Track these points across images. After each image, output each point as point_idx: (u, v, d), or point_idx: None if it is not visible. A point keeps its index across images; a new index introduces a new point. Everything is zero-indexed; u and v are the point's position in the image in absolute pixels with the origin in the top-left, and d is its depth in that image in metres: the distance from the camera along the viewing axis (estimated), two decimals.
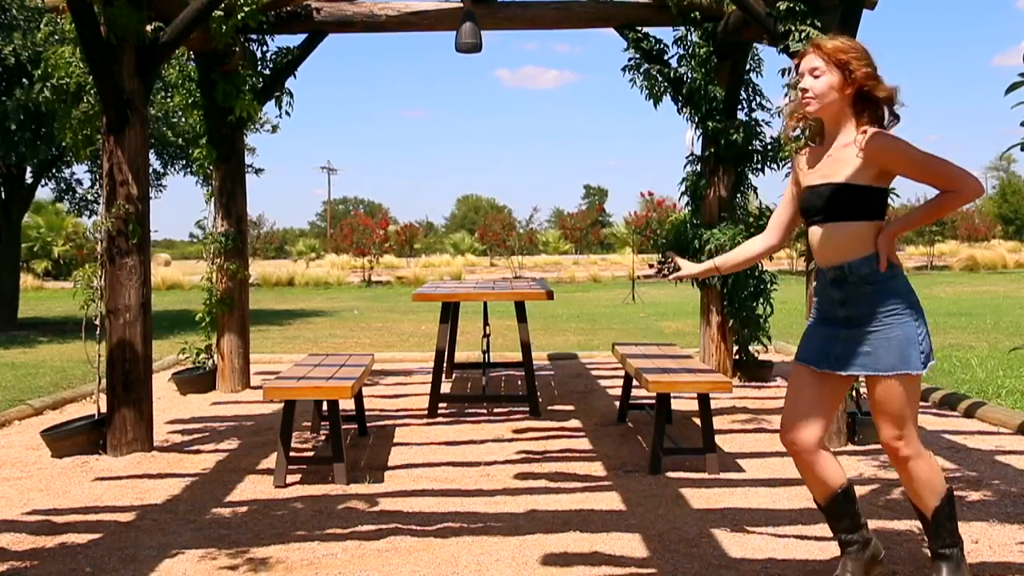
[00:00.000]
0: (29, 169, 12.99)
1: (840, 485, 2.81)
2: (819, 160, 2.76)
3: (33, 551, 3.41)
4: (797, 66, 2.78)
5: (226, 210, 7.02)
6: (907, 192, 62.35)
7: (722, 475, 4.36)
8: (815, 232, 2.77)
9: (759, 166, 7.00)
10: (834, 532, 2.89)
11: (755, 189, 7.14)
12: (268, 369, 7.94)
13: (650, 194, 20.01)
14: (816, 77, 2.68)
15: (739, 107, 7.00)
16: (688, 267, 3.36)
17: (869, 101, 2.69)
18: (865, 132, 2.65)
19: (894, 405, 2.68)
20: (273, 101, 7.10)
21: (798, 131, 2.95)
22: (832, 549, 3.29)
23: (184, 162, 14.20)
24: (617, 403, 5.89)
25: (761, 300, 6.94)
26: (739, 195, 7.07)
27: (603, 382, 7.30)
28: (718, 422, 5.23)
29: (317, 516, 3.78)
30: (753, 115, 7.03)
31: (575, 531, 3.52)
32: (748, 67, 6.96)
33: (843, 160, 2.69)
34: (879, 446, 4.77)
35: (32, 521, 3.78)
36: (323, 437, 5.19)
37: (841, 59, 2.65)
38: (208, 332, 7.08)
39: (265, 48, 7.02)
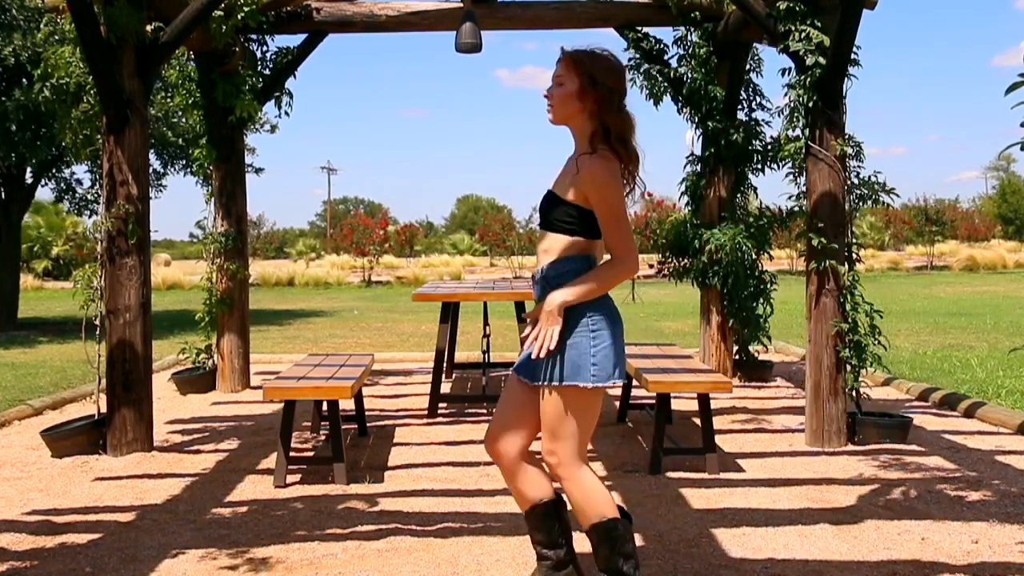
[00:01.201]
0: (29, 169, 12.98)
1: (539, 499, 2.76)
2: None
3: (33, 551, 3.41)
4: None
5: (226, 210, 7.02)
6: (907, 192, 62.22)
7: (722, 475, 4.36)
8: (540, 235, 2.73)
9: (759, 166, 7.00)
10: (532, 541, 2.86)
11: (755, 189, 7.14)
12: (268, 369, 7.93)
13: (650, 195, 19.99)
14: (559, 84, 2.60)
15: (739, 107, 7.00)
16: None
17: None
18: (592, 152, 2.56)
19: (550, 417, 2.63)
20: (273, 101, 7.10)
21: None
22: (833, 549, 3.30)
23: (184, 162, 14.19)
24: (617, 403, 5.89)
25: (761, 300, 6.94)
26: (739, 195, 7.07)
27: None
28: (718, 422, 5.23)
29: (317, 516, 3.78)
30: (753, 115, 7.04)
31: (575, 531, 3.51)
32: (748, 67, 6.96)
33: (567, 171, 2.64)
34: (880, 446, 4.80)
35: (32, 521, 3.78)
36: (323, 437, 5.19)
37: (585, 71, 2.57)
38: (208, 332, 7.08)
39: (265, 48, 7.02)
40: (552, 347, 2.55)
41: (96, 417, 5.08)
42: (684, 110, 7.01)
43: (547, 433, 2.67)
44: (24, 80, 10.60)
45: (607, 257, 2.63)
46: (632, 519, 2.77)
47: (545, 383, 2.61)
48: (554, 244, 2.63)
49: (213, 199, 7.06)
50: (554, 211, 2.62)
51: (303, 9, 6.74)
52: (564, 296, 2.54)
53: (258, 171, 15.89)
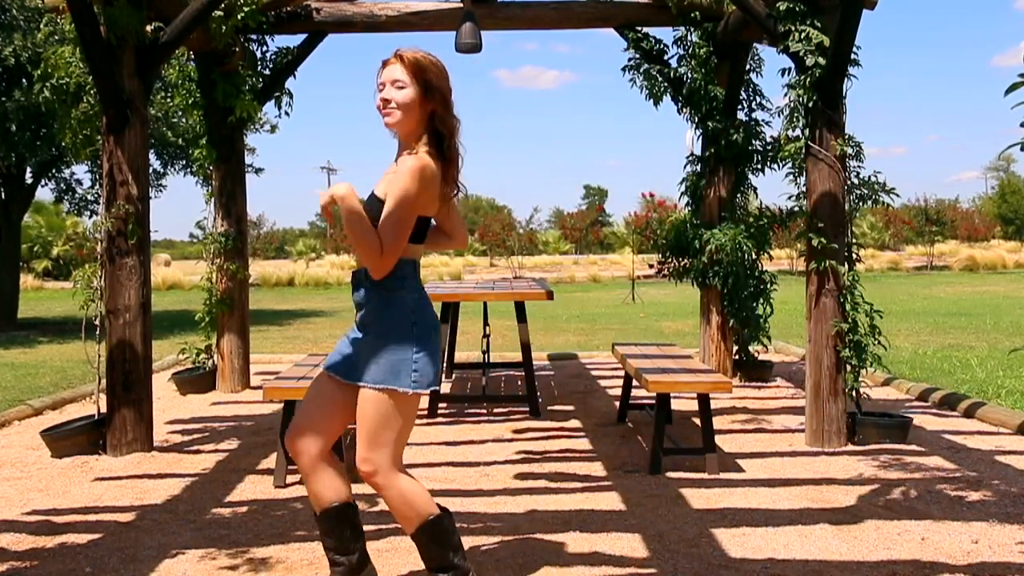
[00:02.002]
0: (29, 169, 12.99)
1: (331, 502, 2.72)
2: None
3: (33, 551, 3.41)
4: (380, 72, 2.66)
5: (226, 210, 7.02)
6: (907, 192, 62.19)
7: (722, 475, 4.36)
8: None
9: (759, 166, 7.00)
10: (323, 547, 2.81)
11: (755, 189, 7.14)
12: (268, 369, 7.93)
13: (651, 195, 19.95)
14: (399, 88, 2.59)
15: (739, 107, 7.00)
16: None
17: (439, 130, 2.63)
18: (414, 150, 2.59)
19: (367, 421, 2.58)
20: (273, 101, 7.10)
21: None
22: (833, 549, 3.30)
23: (184, 162, 14.19)
24: (617, 403, 5.89)
25: (761, 300, 6.94)
26: (739, 195, 7.08)
27: (603, 382, 7.29)
28: (718, 422, 5.23)
29: None
30: (753, 115, 7.04)
31: (575, 531, 3.52)
32: (748, 67, 6.96)
33: (388, 171, 2.66)
34: (880, 446, 4.80)
35: (32, 521, 3.78)
36: None
37: (421, 75, 2.59)
38: (208, 332, 7.08)
39: (265, 48, 7.02)
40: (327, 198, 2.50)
41: (96, 417, 5.08)
42: (684, 110, 7.01)
43: (364, 440, 2.60)
44: (24, 80, 10.60)
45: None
46: (449, 510, 2.74)
47: (362, 383, 2.59)
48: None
49: (213, 199, 7.06)
50: (374, 212, 2.58)
51: (303, 9, 6.74)
52: (352, 199, 2.49)
53: (258, 171, 15.88)
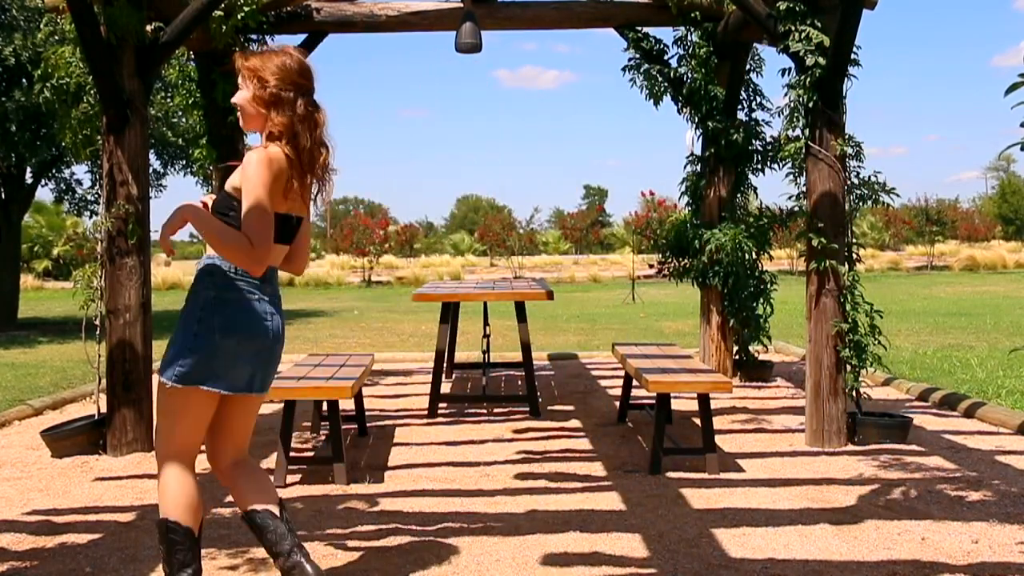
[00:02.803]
0: (29, 169, 12.99)
1: (252, 507, 2.71)
2: None
3: (33, 551, 3.41)
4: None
5: None
6: (907, 192, 62.17)
7: (722, 475, 4.36)
8: None
9: (759, 166, 7.00)
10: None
11: (755, 189, 7.15)
12: None
13: (651, 194, 19.95)
14: (237, 91, 2.68)
15: (739, 107, 7.00)
16: None
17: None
18: (261, 147, 2.61)
19: (157, 404, 2.66)
20: None
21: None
22: (833, 549, 3.30)
23: (184, 162, 14.20)
24: (617, 403, 5.89)
25: (761, 300, 6.94)
26: (739, 195, 7.08)
27: (603, 382, 7.30)
28: (718, 422, 5.23)
29: (317, 516, 3.78)
30: (753, 115, 7.04)
31: (575, 531, 3.52)
32: (748, 67, 6.96)
33: (237, 170, 2.66)
34: (880, 446, 4.81)
35: (32, 521, 3.78)
36: (323, 437, 5.19)
37: (252, 74, 2.66)
38: None
39: (265, 48, 7.00)
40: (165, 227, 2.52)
41: (96, 417, 5.08)
42: (684, 110, 7.01)
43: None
44: (24, 80, 10.61)
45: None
46: (195, 537, 2.65)
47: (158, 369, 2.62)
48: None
49: None
50: (219, 203, 2.62)
51: (303, 9, 6.73)
52: (194, 213, 2.51)
53: None
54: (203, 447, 2.76)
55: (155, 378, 2.92)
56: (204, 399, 2.60)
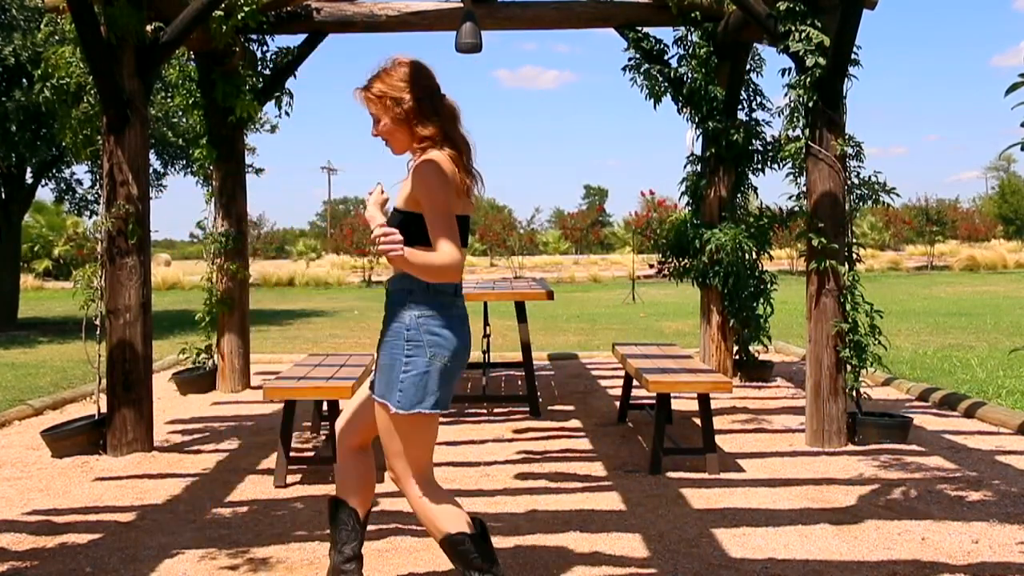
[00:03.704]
0: (29, 169, 12.99)
1: (337, 495, 2.79)
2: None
3: (33, 551, 3.41)
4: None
5: (226, 210, 7.02)
6: (907, 192, 62.20)
7: (722, 475, 4.36)
8: None
9: (759, 166, 7.00)
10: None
11: (755, 189, 7.14)
12: (268, 369, 7.93)
13: (651, 193, 19.93)
14: (376, 123, 2.61)
15: (739, 107, 7.00)
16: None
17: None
18: (418, 155, 2.58)
19: (381, 432, 2.63)
20: (273, 101, 7.10)
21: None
22: (833, 549, 3.30)
23: (184, 162, 14.20)
24: (617, 403, 5.89)
25: (761, 300, 6.94)
26: (739, 195, 7.08)
27: (603, 382, 7.29)
28: (718, 422, 5.23)
29: (317, 516, 3.78)
30: (753, 115, 7.04)
31: (575, 531, 3.52)
32: (748, 67, 6.96)
33: (404, 184, 2.62)
34: (880, 446, 4.81)
35: (32, 521, 3.78)
36: (323, 437, 5.19)
37: (380, 101, 2.57)
38: (208, 332, 7.08)
39: (265, 48, 7.02)
40: (384, 241, 2.35)
41: (96, 417, 5.08)
42: (684, 110, 7.01)
43: (384, 447, 2.66)
44: (24, 80, 10.60)
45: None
46: (482, 530, 2.65)
47: (376, 396, 2.61)
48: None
49: (213, 199, 7.06)
50: (403, 223, 2.55)
51: (303, 9, 6.74)
52: (403, 261, 2.38)
53: (258, 171, 15.86)
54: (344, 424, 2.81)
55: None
56: (429, 420, 2.61)
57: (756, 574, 3.08)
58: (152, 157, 11.36)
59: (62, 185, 14.15)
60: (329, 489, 4.20)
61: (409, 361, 2.53)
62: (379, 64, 2.63)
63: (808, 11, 4.87)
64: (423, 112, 2.57)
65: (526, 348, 5.93)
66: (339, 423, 2.84)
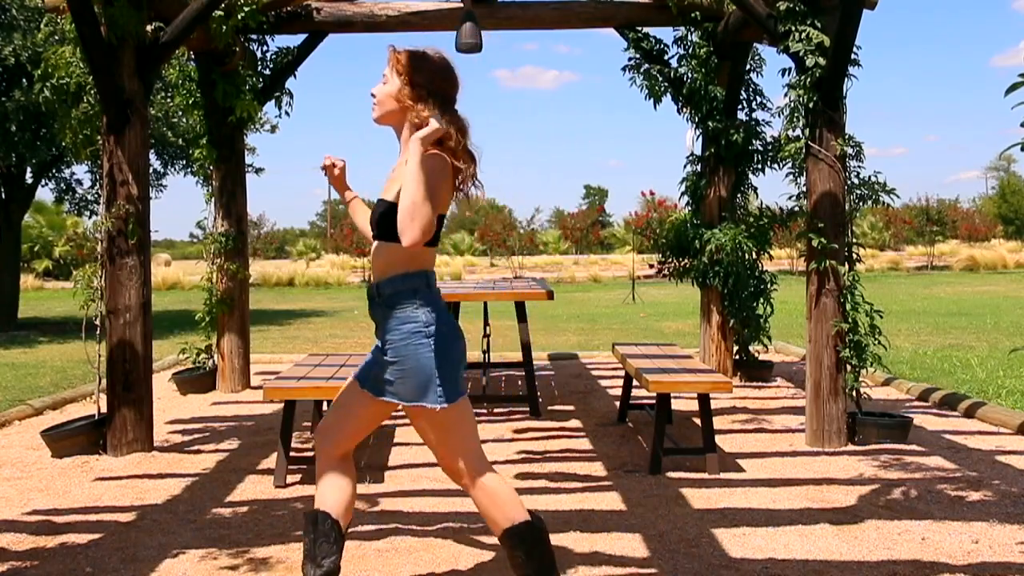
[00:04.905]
0: (29, 169, 12.99)
1: (318, 508, 2.69)
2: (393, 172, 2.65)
3: (33, 551, 3.41)
4: None
5: (226, 210, 7.02)
6: (907, 192, 62.26)
7: (722, 475, 4.36)
8: (373, 247, 2.65)
9: (759, 166, 7.00)
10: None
11: (755, 189, 7.14)
12: (268, 369, 7.93)
13: (651, 193, 19.92)
14: (383, 83, 2.60)
15: (739, 107, 7.00)
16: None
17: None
18: (412, 133, 2.52)
19: (427, 435, 2.62)
20: (273, 101, 7.10)
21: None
22: (833, 549, 3.30)
23: (184, 162, 14.20)
24: (617, 403, 5.89)
25: (761, 300, 6.94)
26: (739, 195, 7.08)
27: (603, 382, 7.29)
28: (718, 422, 5.23)
29: None
30: (753, 115, 7.04)
31: (575, 531, 3.52)
32: (748, 67, 6.96)
33: (396, 178, 2.57)
34: (880, 446, 4.81)
35: (32, 521, 3.78)
36: None
37: (401, 70, 2.56)
38: (208, 332, 7.08)
39: (265, 48, 7.02)
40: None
41: (96, 417, 5.08)
42: (684, 110, 7.01)
43: (436, 452, 2.67)
44: (24, 80, 10.60)
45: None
46: (538, 521, 2.65)
47: (400, 402, 2.57)
48: (390, 256, 2.57)
49: (213, 199, 7.06)
50: (386, 218, 2.53)
51: (303, 9, 6.74)
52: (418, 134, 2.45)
53: (258, 171, 15.88)
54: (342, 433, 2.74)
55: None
56: (466, 404, 2.62)
57: (756, 574, 3.08)
58: (152, 157, 11.37)
59: (62, 185, 14.16)
60: None
61: (438, 356, 2.53)
62: (429, 47, 2.62)
63: (808, 11, 4.87)
64: (421, 99, 2.55)
65: (526, 348, 5.94)
66: (321, 432, 2.76)
